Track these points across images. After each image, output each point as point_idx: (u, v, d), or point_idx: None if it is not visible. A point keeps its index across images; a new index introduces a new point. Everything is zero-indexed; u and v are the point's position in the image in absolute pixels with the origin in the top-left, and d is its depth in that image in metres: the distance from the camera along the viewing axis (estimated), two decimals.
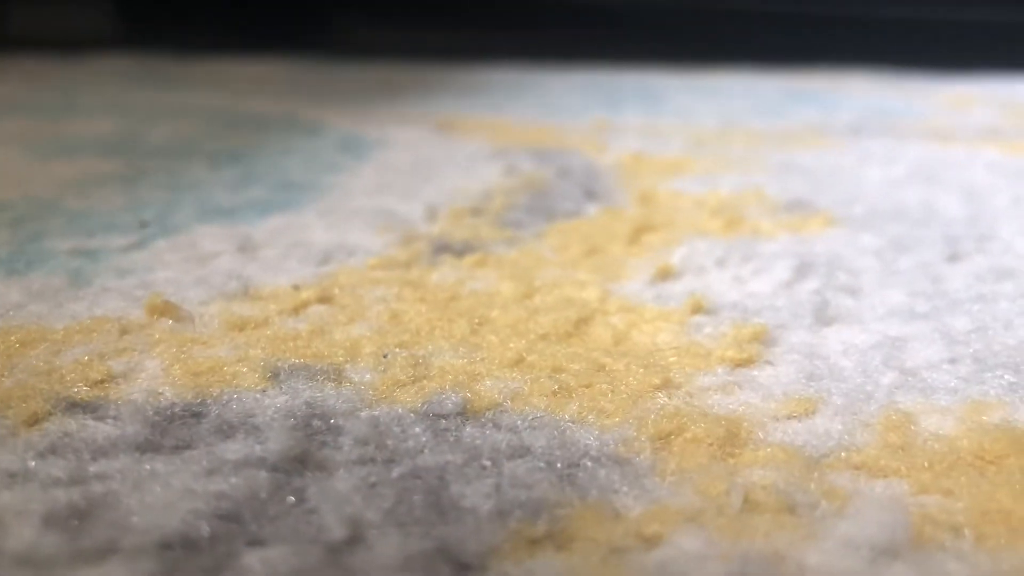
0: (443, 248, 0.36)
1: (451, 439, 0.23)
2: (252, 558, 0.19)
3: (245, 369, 0.26)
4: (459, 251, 0.36)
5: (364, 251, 0.37)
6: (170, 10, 0.99)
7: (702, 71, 0.84)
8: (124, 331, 0.29)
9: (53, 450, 0.22)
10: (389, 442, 0.23)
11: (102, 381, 0.26)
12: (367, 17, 1.05)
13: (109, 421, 0.24)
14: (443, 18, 0.98)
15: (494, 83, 0.81)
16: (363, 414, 0.24)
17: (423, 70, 0.84)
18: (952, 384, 0.26)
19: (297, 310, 0.31)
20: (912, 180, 0.45)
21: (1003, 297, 0.32)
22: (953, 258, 0.37)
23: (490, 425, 0.24)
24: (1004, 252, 0.38)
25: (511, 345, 0.28)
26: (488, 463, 0.22)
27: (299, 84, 0.80)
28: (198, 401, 0.25)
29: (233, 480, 0.21)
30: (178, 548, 0.19)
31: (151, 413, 0.24)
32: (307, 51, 0.89)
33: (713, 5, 0.90)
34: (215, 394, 0.25)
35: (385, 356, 0.27)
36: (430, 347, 0.28)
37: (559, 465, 0.22)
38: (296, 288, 0.32)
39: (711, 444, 0.23)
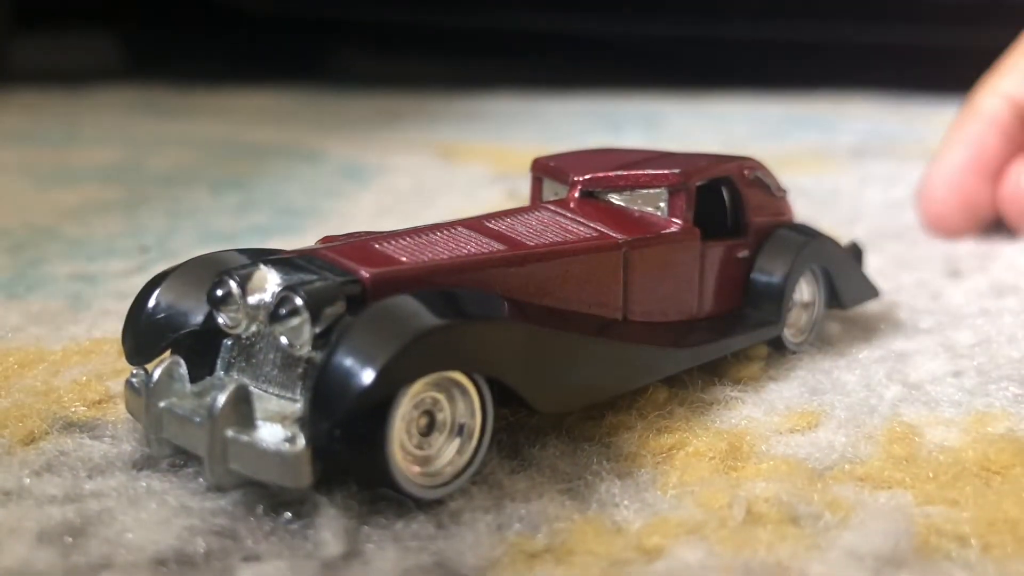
0: None
1: None
2: (247, 574, 0.18)
3: None
4: None
5: None
6: (173, 42, 1.00)
7: (702, 96, 0.84)
8: (122, 352, 0.29)
9: (49, 468, 0.22)
10: None
11: (99, 401, 0.26)
12: (368, 48, 1.05)
13: (105, 440, 0.23)
14: (444, 48, 0.99)
15: (495, 110, 0.81)
16: None
17: (424, 99, 0.85)
18: (956, 397, 0.26)
19: None
20: (912, 201, 0.45)
21: (1006, 311, 0.32)
22: (954, 274, 0.37)
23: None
24: (1006, 269, 0.38)
25: None
26: (486, 477, 0.22)
27: (300, 114, 0.80)
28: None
29: (229, 497, 0.21)
30: (172, 564, 0.19)
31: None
32: (309, 82, 0.90)
33: (713, 32, 0.91)
34: None
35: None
36: None
37: (561, 478, 0.22)
38: None
39: (713, 457, 0.23)
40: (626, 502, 0.21)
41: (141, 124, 0.74)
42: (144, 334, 0.23)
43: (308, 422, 0.19)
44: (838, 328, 0.31)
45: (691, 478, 0.22)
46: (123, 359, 0.28)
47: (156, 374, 0.21)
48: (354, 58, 1.08)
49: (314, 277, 0.21)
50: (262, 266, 0.22)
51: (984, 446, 0.23)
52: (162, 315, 0.23)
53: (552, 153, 0.31)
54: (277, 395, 0.21)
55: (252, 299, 0.21)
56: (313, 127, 0.74)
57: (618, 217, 0.27)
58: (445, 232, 0.24)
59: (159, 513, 0.20)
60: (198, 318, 0.23)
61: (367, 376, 0.19)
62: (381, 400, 0.19)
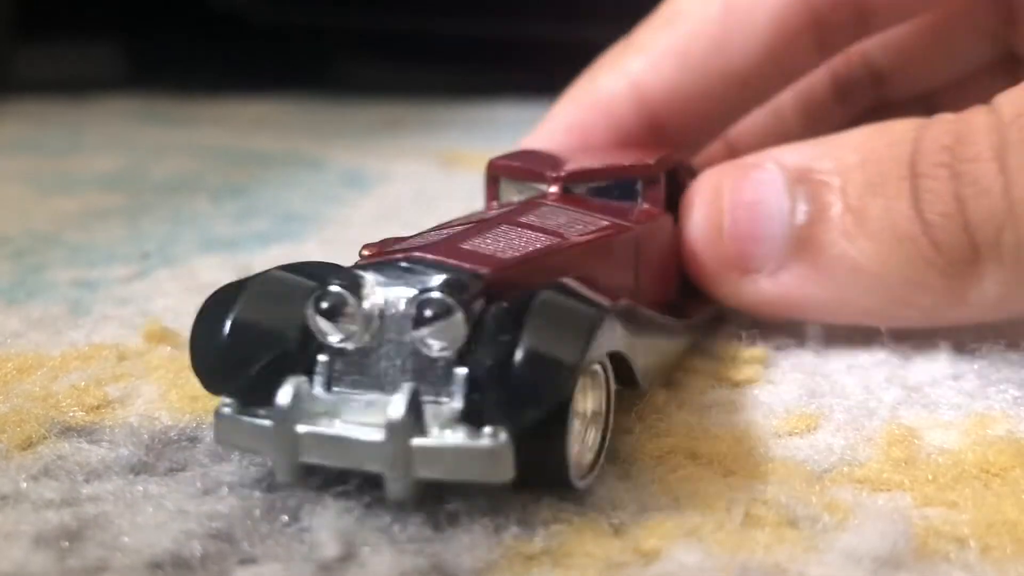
0: None
1: None
2: None
3: None
4: None
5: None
6: (175, 52, 1.01)
7: None
8: (122, 357, 0.29)
9: (46, 472, 0.22)
10: None
11: (98, 406, 0.26)
12: (370, 56, 1.06)
13: (104, 444, 0.23)
14: (445, 56, 0.99)
15: (497, 119, 0.81)
16: None
17: (426, 107, 0.85)
18: (956, 399, 0.26)
19: None
20: None
21: None
22: None
23: None
24: None
25: None
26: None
27: (302, 122, 0.81)
28: (194, 425, 0.24)
29: (226, 500, 0.21)
30: (169, 567, 0.19)
31: (146, 436, 0.24)
32: (310, 90, 0.90)
33: None
34: (211, 418, 0.25)
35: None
36: None
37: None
38: None
39: (711, 460, 0.23)
40: (624, 504, 0.21)
41: (143, 132, 0.74)
42: (227, 359, 0.21)
43: (498, 417, 0.19)
44: (837, 331, 0.31)
45: (689, 480, 0.22)
46: (122, 364, 0.28)
47: (285, 397, 0.20)
48: (355, 66, 1.09)
49: (440, 278, 0.20)
50: (367, 273, 0.21)
51: (983, 448, 0.23)
52: (245, 336, 0.21)
53: (499, 155, 0.30)
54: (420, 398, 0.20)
55: (367, 306, 0.21)
56: (314, 135, 0.74)
57: (607, 208, 0.28)
58: (497, 229, 0.24)
59: (156, 517, 0.20)
60: (287, 336, 0.21)
61: (564, 367, 0.19)
62: (572, 391, 0.20)
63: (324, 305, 0.20)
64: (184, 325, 0.31)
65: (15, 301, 0.34)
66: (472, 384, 0.20)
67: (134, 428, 0.24)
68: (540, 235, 0.24)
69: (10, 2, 0.92)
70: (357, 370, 0.21)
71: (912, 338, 0.30)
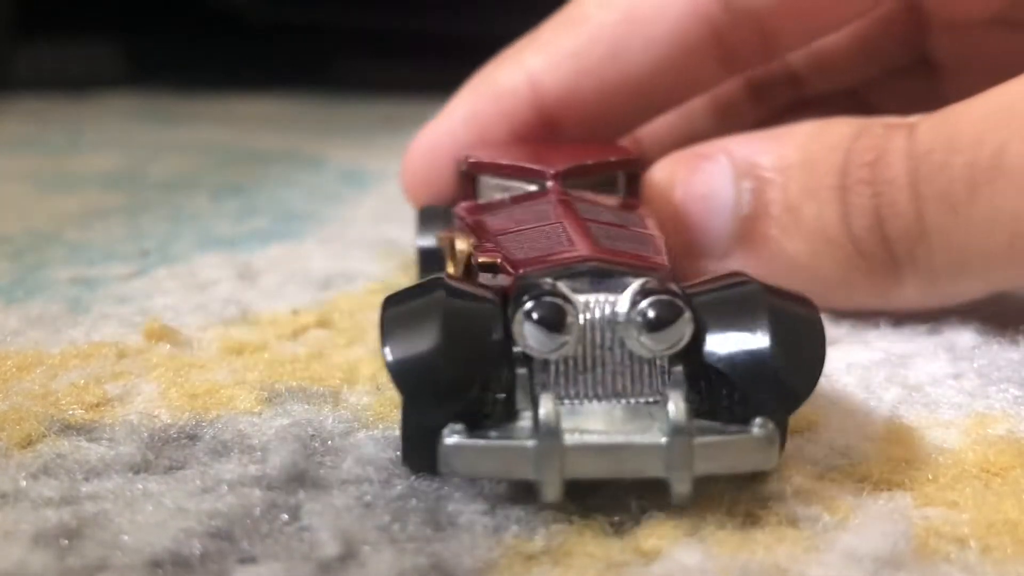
0: None
1: None
2: (243, 575, 0.18)
3: (242, 392, 0.26)
4: None
5: (364, 277, 0.37)
6: (175, 50, 1.01)
7: None
8: (121, 355, 0.29)
9: (45, 470, 0.22)
10: (386, 462, 0.23)
11: (98, 404, 0.26)
12: (369, 54, 1.06)
13: (103, 442, 0.23)
14: (445, 54, 0.99)
15: None
16: (360, 435, 0.24)
17: (426, 105, 0.85)
18: (956, 399, 0.26)
19: (296, 334, 0.31)
20: None
21: (1007, 313, 0.32)
22: None
23: None
24: None
25: None
26: (486, 480, 0.22)
27: (301, 120, 0.80)
28: (194, 423, 0.24)
29: (226, 499, 0.21)
30: (168, 566, 0.19)
31: (146, 434, 0.24)
32: (310, 88, 0.90)
33: None
34: (211, 416, 0.25)
35: (378, 388, 0.26)
36: None
37: None
38: (295, 313, 0.32)
39: None
40: (624, 504, 0.21)
41: (143, 130, 0.74)
42: (445, 383, 0.20)
43: (768, 408, 0.20)
44: (837, 331, 0.31)
45: None
46: (121, 362, 0.28)
47: (548, 415, 0.19)
48: (355, 65, 1.08)
49: (641, 281, 0.21)
50: (559, 283, 0.21)
51: (984, 448, 0.23)
52: (458, 359, 0.20)
53: (469, 152, 0.30)
54: (634, 402, 0.20)
55: (583, 317, 0.20)
56: (314, 133, 0.74)
57: (613, 202, 0.28)
58: (587, 226, 0.24)
59: (155, 515, 0.20)
60: (490, 354, 0.20)
61: (817, 356, 0.21)
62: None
63: (541, 316, 0.20)
64: (183, 323, 0.31)
65: (14, 299, 0.34)
66: (690, 381, 0.20)
67: (134, 426, 0.24)
68: (623, 231, 0.24)
69: (9, 0, 0.92)
70: (566, 378, 0.20)
71: (912, 338, 0.30)
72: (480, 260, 0.23)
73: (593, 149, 0.31)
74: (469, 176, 0.30)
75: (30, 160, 0.63)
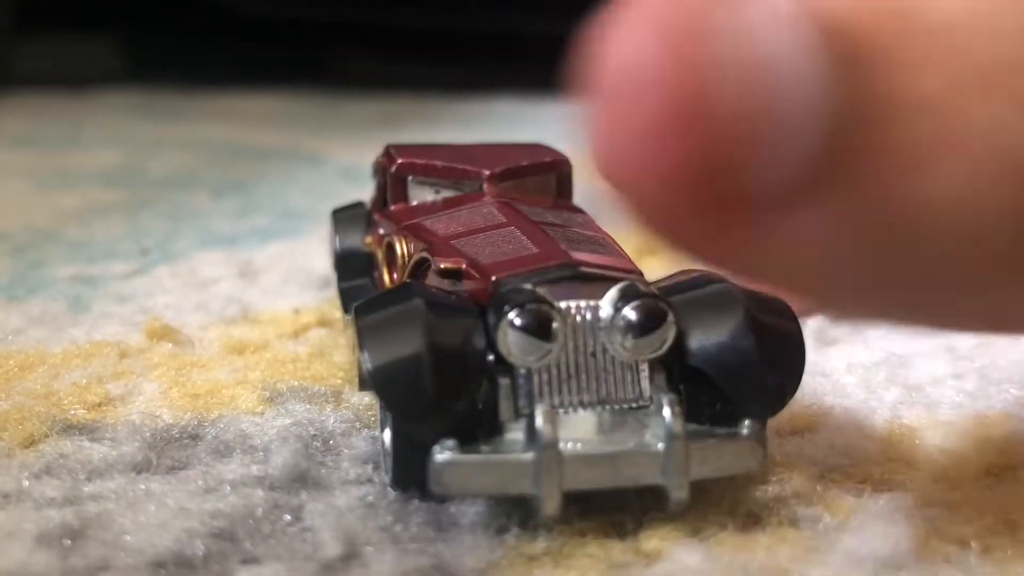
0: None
1: None
2: None
3: (244, 391, 0.26)
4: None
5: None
6: (174, 46, 1.00)
7: None
8: (123, 355, 0.29)
9: (48, 470, 0.22)
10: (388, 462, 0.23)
11: (100, 404, 0.26)
12: (368, 51, 1.05)
13: (105, 442, 0.23)
14: (444, 51, 0.99)
15: (495, 113, 0.81)
16: (362, 435, 0.24)
17: (424, 102, 0.85)
18: (957, 399, 0.26)
19: (297, 334, 0.31)
20: None
21: None
22: None
23: None
24: None
25: None
26: None
27: (301, 117, 0.80)
28: (196, 423, 0.25)
29: (229, 499, 0.21)
30: (171, 566, 0.19)
31: (148, 434, 0.24)
32: (309, 85, 0.90)
33: None
34: (213, 416, 0.25)
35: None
36: None
37: None
38: (296, 312, 0.32)
39: None
40: (625, 505, 0.21)
41: (142, 127, 0.74)
42: (433, 398, 0.19)
43: (755, 410, 0.20)
44: (838, 331, 0.31)
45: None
46: (123, 361, 0.28)
47: (545, 426, 0.19)
48: (354, 61, 1.08)
49: (620, 287, 0.20)
50: (540, 290, 0.20)
51: (985, 448, 0.23)
52: (444, 371, 0.19)
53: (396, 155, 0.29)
54: (620, 407, 0.20)
55: (570, 324, 0.20)
56: (313, 130, 0.74)
57: (551, 204, 0.28)
58: (546, 232, 0.23)
59: (158, 516, 0.20)
60: (472, 364, 0.20)
61: (800, 358, 0.21)
62: None
63: (526, 324, 0.19)
64: (184, 322, 0.31)
65: (15, 298, 0.34)
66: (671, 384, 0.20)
67: (136, 426, 0.24)
68: (574, 232, 0.24)
69: None
70: (546, 390, 0.20)
71: (913, 338, 0.30)
72: (443, 266, 0.22)
73: (521, 151, 0.29)
74: (398, 178, 0.28)
75: (29, 157, 0.63)
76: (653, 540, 0.19)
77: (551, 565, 0.19)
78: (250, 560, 0.19)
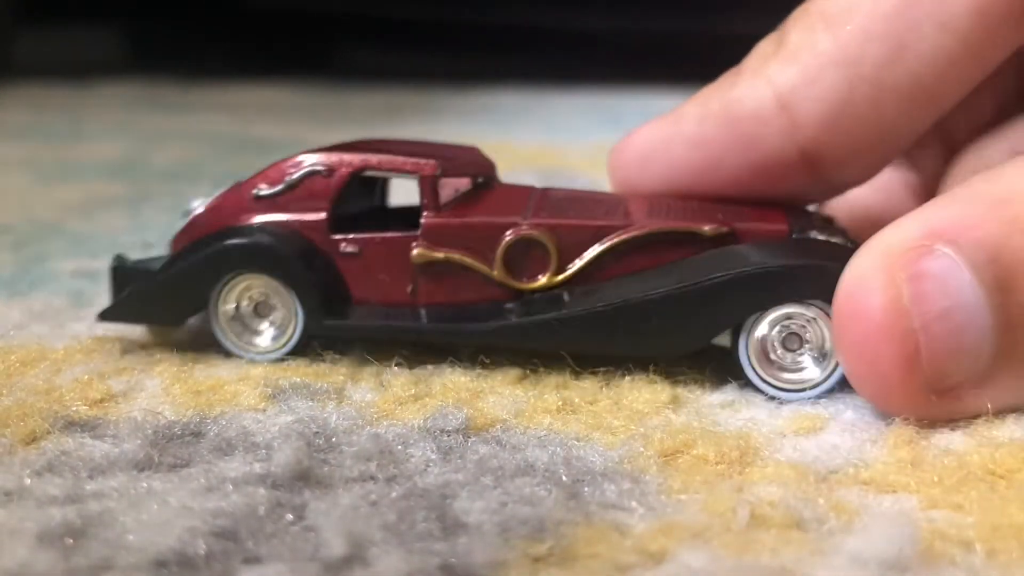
0: None
1: (454, 456, 0.23)
2: (248, 575, 0.18)
3: (246, 388, 0.26)
4: None
5: None
6: (177, 37, 1.00)
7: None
8: (125, 351, 0.29)
9: (50, 468, 0.22)
10: (391, 460, 0.23)
11: (101, 400, 0.25)
12: (372, 43, 1.05)
13: (107, 439, 0.23)
14: (448, 43, 0.98)
15: (499, 105, 0.81)
16: (364, 432, 0.24)
17: (428, 94, 0.85)
18: None
19: None
20: None
21: None
22: None
23: (494, 442, 0.24)
24: None
25: (515, 361, 0.28)
26: (492, 480, 0.22)
27: (304, 108, 0.80)
28: (198, 420, 0.24)
29: (231, 498, 0.21)
30: (174, 566, 0.19)
31: (150, 432, 0.24)
32: (312, 76, 0.90)
33: (718, 27, 0.90)
34: (215, 413, 0.25)
35: (382, 384, 0.27)
36: (431, 365, 0.28)
37: (564, 482, 0.22)
38: None
39: (718, 462, 0.23)
40: (631, 506, 0.21)
41: (145, 119, 0.74)
42: None
43: None
44: None
45: (695, 481, 0.22)
46: (125, 357, 0.28)
47: None
48: (358, 53, 1.08)
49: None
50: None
51: (990, 450, 0.23)
52: None
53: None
54: None
55: None
56: (317, 122, 0.73)
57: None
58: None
59: (160, 514, 0.20)
60: None
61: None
62: None
63: None
64: None
65: (17, 292, 0.34)
66: None
67: (138, 423, 0.24)
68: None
69: None
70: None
71: None
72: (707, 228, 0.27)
73: (456, 150, 0.31)
74: (435, 180, 0.28)
75: (31, 149, 0.62)
76: (659, 540, 0.19)
77: (557, 565, 0.19)
78: (252, 560, 0.19)
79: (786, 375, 0.26)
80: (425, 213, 0.28)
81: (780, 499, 0.21)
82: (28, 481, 0.21)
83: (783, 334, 0.26)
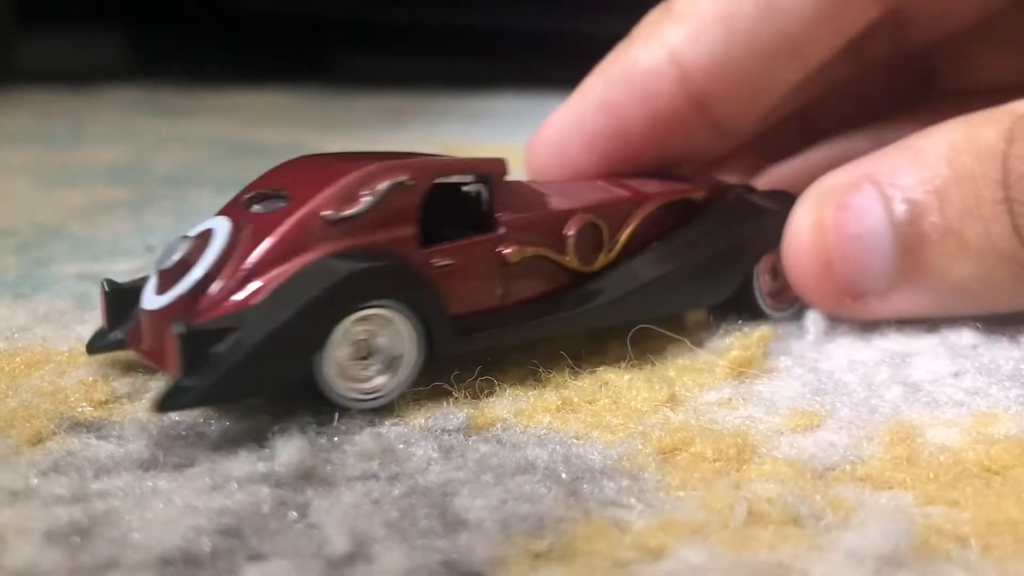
0: None
1: (455, 455, 0.23)
2: (253, 573, 0.19)
3: None
4: None
5: None
6: (178, 42, 1.00)
7: None
8: (129, 352, 0.29)
9: (56, 468, 0.22)
10: (393, 458, 0.23)
11: (106, 401, 0.26)
12: (372, 47, 1.05)
13: (112, 440, 0.24)
14: (447, 47, 0.99)
15: (498, 110, 0.81)
16: (367, 431, 0.24)
17: (428, 99, 0.85)
18: (958, 397, 0.26)
19: None
20: None
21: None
22: None
23: (494, 441, 0.24)
24: None
25: (515, 361, 0.28)
26: (492, 478, 0.22)
27: (304, 113, 0.80)
28: (201, 420, 0.25)
29: (235, 496, 0.21)
30: (179, 563, 0.19)
31: (155, 432, 0.24)
32: (313, 81, 0.90)
33: None
34: (218, 413, 0.25)
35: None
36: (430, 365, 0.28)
37: (564, 479, 0.22)
38: None
39: (716, 459, 0.23)
40: (629, 503, 0.21)
41: (146, 123, 0.74)
42: None
43: None
44: (839, 329, 0.31)
45: (693, 479, 0.22)
46: (129, 359, 0.28)
47: None
48: (358, 57, 1.08)
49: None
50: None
51: (985, 447, 0.23)
52: None
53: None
54: None
55: None
56: (317, 126, 0.74)
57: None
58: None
59: (165, 513, 0.20)
60: None
61: None
62: None
63: None
64: None
65: (21, 295, 0.34)
66: None
67: (143, 423, 0.24)
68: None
69: None
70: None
71: (914, 337, 0.30)
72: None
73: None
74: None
75: (33, 153, 0.63)
76: (657, 537, 0.20)
77: (557, 562, 0.19)
78: (257, 557, 0.19)
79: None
80: (500, 212, 0.28)
81: (777, 496, 0.21)
82: (34, 481, 0.22)
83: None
